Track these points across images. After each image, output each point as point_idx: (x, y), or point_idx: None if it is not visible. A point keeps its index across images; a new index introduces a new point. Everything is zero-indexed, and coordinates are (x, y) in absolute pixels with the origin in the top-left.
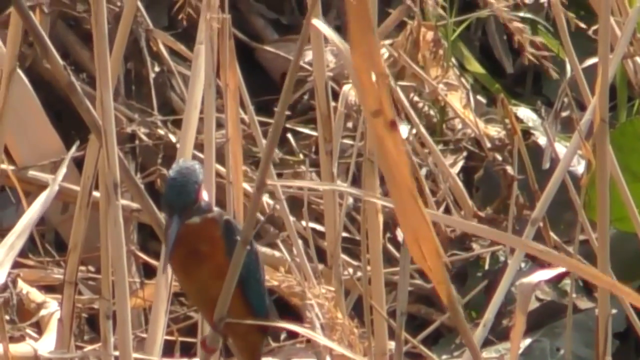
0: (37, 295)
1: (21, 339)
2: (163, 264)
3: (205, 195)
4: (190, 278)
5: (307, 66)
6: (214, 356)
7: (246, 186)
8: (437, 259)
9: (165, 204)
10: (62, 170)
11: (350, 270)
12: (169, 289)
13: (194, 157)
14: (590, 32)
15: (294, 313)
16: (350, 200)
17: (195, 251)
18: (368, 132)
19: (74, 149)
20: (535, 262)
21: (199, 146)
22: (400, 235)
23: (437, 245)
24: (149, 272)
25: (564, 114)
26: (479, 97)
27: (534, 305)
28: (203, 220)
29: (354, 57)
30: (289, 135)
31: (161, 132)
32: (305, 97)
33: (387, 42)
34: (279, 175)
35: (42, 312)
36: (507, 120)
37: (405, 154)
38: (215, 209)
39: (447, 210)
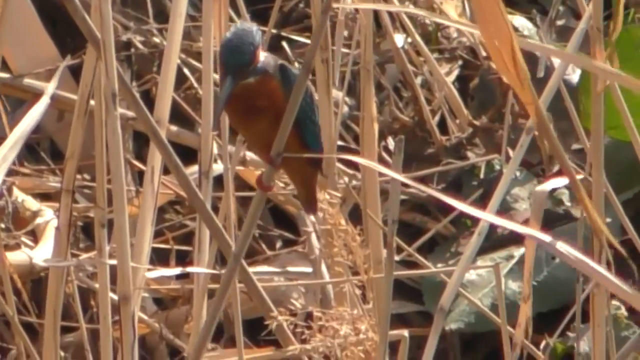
0: (32, 204)
1: (17, 247)
2: (213, 123)
3: (262, 57)
4: (250, 129)
5: None
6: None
7: None
8: (518, 64)
9: (220, 64)
10: (56, 79)
11: (346, 178)
12: (155, 197)
13: (183, 63)
14: None
15: (289, 221)
16: (346, 108)
17: (254, 106)
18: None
19: (68, 58)
20: (531, 171)
21: (197, 54)
22: (392, 143)
23: (518, 51)
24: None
25: (559, 22)
26: None
27: (528, 214)
28: (260, 78)
29: None
30: (284, 44)
31: (156, 40)
32: (301, 5)
33: None
34: None
35: (38, 220)
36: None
37: None
38: (271, 61)
39: (443, 119)
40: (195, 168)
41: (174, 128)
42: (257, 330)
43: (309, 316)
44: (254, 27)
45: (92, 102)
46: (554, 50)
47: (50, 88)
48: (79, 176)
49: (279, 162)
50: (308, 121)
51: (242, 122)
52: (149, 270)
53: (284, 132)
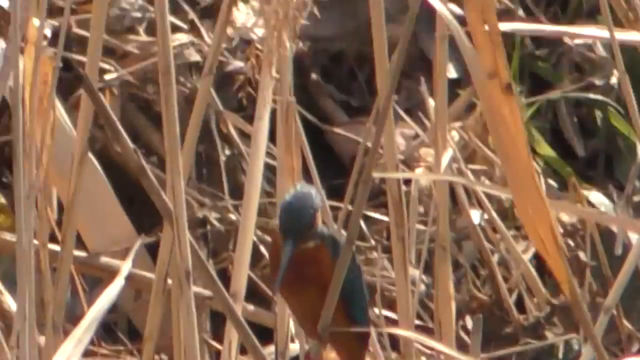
0: None
1: None
2: (274, 288)
3: (320, 221)
4: (297, 298)
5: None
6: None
7: None
8: (555, 242)
9: (280, 228)
10: (131, 258)
11: (424, 358)
12: None
13: (259, 240)
14: None
15: None
16: (423, 287)
17: (303, 274)
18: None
19: (142, 237)
20: (609, 352)
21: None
22: (470, 323)
23: (554, 228)
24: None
25: (636, 198)
26: (550, 181)
27: None
28: (313, 246)
29: (468, 15)
30: (361, 221)
31: (232, 217)
32: (376, 181)
33: (457, 124)
34: None
35: None
36: (579, 205)
37: (521, 122)
38: (326, 232)
39: (520, 298)
40: (272, 348)
41: (250, 307)
42: None
43: None
44: (312, 190)
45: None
46: (632, 221)
47: (125, 268)
48: (156, 356)
49: (326, 336)
50: (355, 295)
51: (290, 290)
52: None
53: (330, 306)
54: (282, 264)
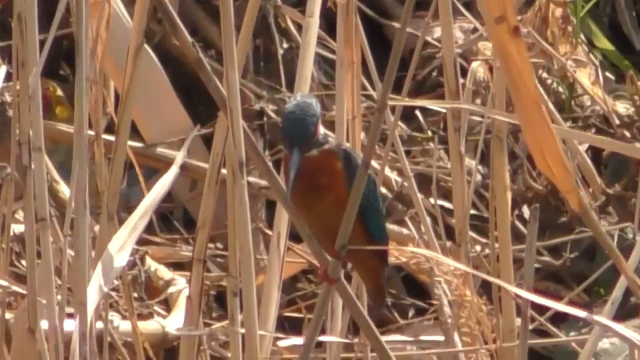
0: (165, 273)
1: (149, 316)
2: (286, 196)
3: (327, 137)
4: (311, 211)
5: (435, 42)
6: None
7: (374, 164)
8: (563, 167)
9: (285, 137)
10: (185, 148)
11: (478, 247)
12: (281, 263)
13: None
14: None
15: (422, 290)
16: (479, 177)
17: (315, 184)
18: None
19: (198, 127)
20: None
21: (330, 123)
22: (527, 212)
23: (562, 153)
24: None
25: None
26: (607, 74)
27: None
28: (321, 153)
29: None
30: (418, 112)
31: None
32: (434, 73)
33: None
34: (407, 153)
35: (171, 289)
36: (636, 97)
37: (528, 61)
38: (332, 140)
39: None
40: None
41: None
42: None
43: None
44: (314, 99)
45: (224, 171)
46: None
47: (179, 157)
48: (212, 245)
49: (344, 254)
50: (371, 209)
51: (304, 202)
52: (280, 339)
53: (348, 224)
54: (292, 172)
